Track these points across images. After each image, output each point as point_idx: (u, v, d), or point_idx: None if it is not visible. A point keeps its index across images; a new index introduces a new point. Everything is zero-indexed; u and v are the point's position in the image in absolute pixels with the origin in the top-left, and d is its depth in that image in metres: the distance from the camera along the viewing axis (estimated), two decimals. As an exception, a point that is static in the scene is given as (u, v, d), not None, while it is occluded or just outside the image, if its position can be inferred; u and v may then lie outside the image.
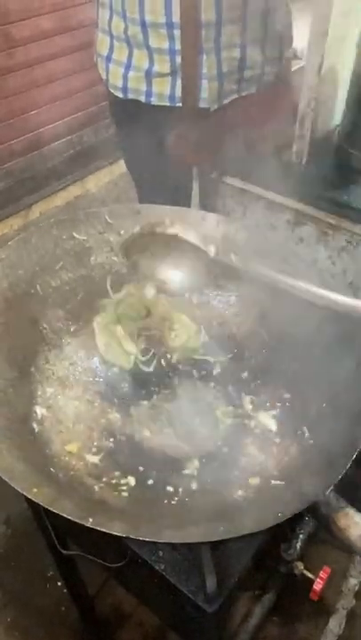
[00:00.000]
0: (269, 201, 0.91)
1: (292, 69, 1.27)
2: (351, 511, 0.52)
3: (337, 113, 0.94)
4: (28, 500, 0.75)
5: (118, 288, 0.73)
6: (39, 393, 0.63)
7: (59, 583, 1.31)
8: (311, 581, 0.75)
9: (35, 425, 0.60)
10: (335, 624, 1.14)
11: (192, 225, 0.69)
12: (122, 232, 0.71)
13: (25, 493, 0.47)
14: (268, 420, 0.66)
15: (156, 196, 1.32)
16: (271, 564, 0.79)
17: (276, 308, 0.69)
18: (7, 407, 0.57)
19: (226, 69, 1.09)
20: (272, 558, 0.79)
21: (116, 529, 0.47)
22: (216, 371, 0.71)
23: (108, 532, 0.46)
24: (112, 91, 1.19)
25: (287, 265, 0.65)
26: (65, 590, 1.27)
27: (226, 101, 1.14)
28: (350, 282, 0.91)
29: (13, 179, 2.36)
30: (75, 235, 0.69)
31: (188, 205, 1.35)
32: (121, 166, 2.58)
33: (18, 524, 1.43)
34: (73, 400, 0.65)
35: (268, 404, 0.67)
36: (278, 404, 0.67)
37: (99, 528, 0.46)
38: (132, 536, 0.46)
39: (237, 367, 0.71)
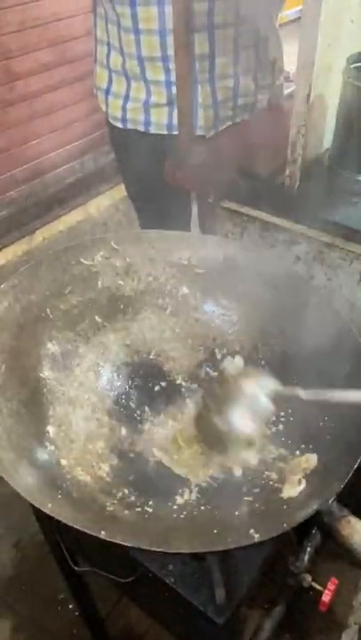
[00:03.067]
0: (265, 222, 0.95)
1: (285, 92, 1.33)
2: (353, 519, 0.54)
3: (326, 137, 0.98)
4: (39, 518, 0.78)
5: (126, 311, 0.76)
6: (51, 413, 0.66)
7: (70, 606, 1.31)
8: (320, 594, 0.76)
9: (47, 443, 0.62)
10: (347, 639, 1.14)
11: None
12: (128, 259, 0.74)
13: (41, 508, 0.50)
14: (272, 436, 0.68)
15: (156, 219, 1.36)
16: (280, 578, 0.80)
17: (277, 325, 0.72)
18: (21, 426, 0.60)
19: (220, 98, 1.15)
20: (280, 571, 0.80)
21: (127, 540, 0.49)
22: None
23: (119, 542, 0.48)
24: (112, 121, 1.24)
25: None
26: (76, 613, 1.27)
27: (221, 128, 1.19)
28: (346, 298, 0.94)
29: (17, 206, 2.42)
30: (82, 260, 0.72)
31: (188, 228, 1.39)
32: (121, 190, 2.63)
33: (28, 547, 1.44)
34: (83, 419, 0.68)
35: (272, 420, 0.69)
36: (282, 419, 0.69)
37: (111, 539, 0.48)
38: (141, 546, 0.48)
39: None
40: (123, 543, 0.49)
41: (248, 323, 0.75)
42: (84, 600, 1.05)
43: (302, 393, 0.59)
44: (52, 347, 0.69)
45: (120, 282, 0.75)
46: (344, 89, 0.89)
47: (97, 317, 0.74)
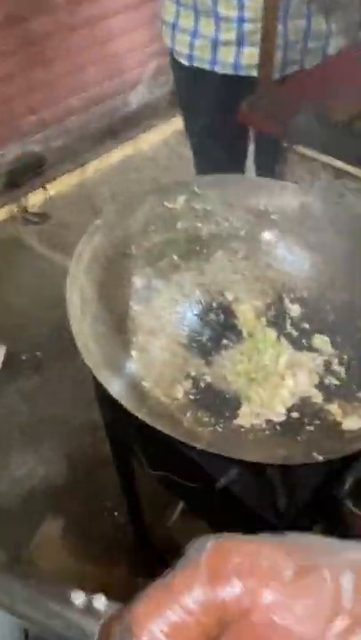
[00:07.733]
0: (338, 170, 0.96)
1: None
2: None
3: None
4: (109, 427, 0.86)
5: (201, 252, 0.81)
6: (134, 340, 0.73)
7: (115, 513, 1.46)
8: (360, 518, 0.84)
9: (131, 365, 0.70)
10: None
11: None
12: (207, 203, 0.78)
13: (135, 413, 0.58)
14: (335, 376, 0.74)
15: (212, 158, 1.36)
16: (322, 503, 0.88)
17: (348, 276, 0.75)
18: (109, 348, 0.68)
19: (291, 39, 1.11)
20: (323, 498, 0.88)
21: (204, 445, 0.57)
22: (286, 327, 0.79)
23: (195, 445, 0.56)
24: (177, 58, 1.22)
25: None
26: (122, 521, 1.42)
27: (288, 72, 1.15)
28: None
29: (71, 136, 2.42)
30: (165, 203, 0.77)
31: (243, 169, 1.38)
32: (172, 125, 2.60)
33: (78, 461, 1.58)
34: (160, 349, 0.75)
35: (336, 361, 0.75)
36: (344, 364, 0.75)
37: (189, 442, 0.56)
38: (215, 451, 0.56)
39: (307, 326, 0.78)
40: (200, 447, 0.57)
41: (318, 271, 0.79)
42: (136, 506, 1.17)
43: None
44: (135, 280, 0.75)
45: (198, 224, 0.79)
46: None
47: (175, 257, 0.79)
